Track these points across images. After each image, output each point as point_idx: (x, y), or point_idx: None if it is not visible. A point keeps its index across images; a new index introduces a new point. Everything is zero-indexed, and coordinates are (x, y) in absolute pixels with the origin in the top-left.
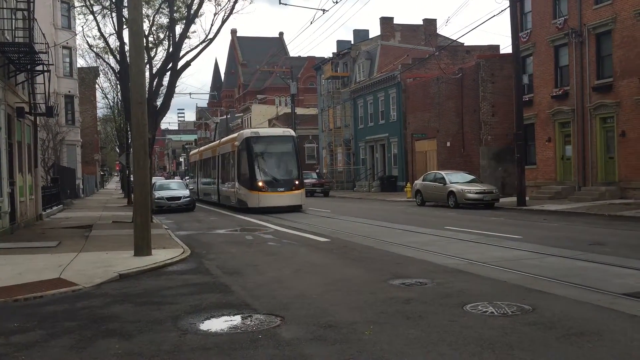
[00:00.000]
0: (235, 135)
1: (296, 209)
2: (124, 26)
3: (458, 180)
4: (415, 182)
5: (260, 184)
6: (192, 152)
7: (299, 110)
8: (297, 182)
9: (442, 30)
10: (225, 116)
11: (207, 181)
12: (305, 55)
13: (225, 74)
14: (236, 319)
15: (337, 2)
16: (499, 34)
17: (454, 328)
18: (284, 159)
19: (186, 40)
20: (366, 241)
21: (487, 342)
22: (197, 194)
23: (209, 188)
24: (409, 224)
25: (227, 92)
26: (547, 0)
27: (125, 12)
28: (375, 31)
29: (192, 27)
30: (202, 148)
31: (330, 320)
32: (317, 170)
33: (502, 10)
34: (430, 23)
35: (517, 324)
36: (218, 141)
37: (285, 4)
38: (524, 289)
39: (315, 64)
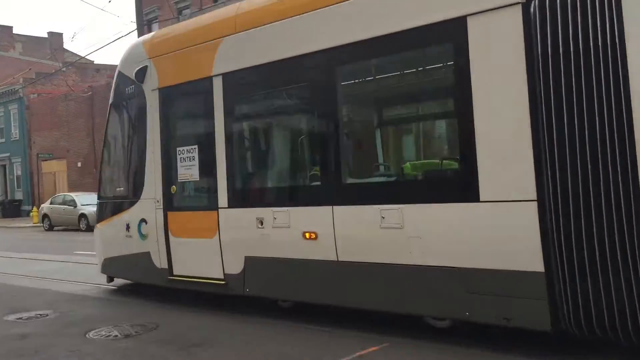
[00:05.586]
0: None
1: None
2: None
3: (91, 202)
4: (42, 205)
5: None
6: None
7: None
8: None
9: (70, 45)
10: None
11: None
12: None
13: None
14: None
15: None
16: None
17: (73, 358)
18: None
19: None
20: None
21: None
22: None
23: None
24: (33, 252)
25: None
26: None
27: None
28: None
29: None
30: None
31: None
32: None
33: (129, 32)
34: (56, 37)
35: (141, 343)
36: None
37: None
38: (150, 308)
39: None
